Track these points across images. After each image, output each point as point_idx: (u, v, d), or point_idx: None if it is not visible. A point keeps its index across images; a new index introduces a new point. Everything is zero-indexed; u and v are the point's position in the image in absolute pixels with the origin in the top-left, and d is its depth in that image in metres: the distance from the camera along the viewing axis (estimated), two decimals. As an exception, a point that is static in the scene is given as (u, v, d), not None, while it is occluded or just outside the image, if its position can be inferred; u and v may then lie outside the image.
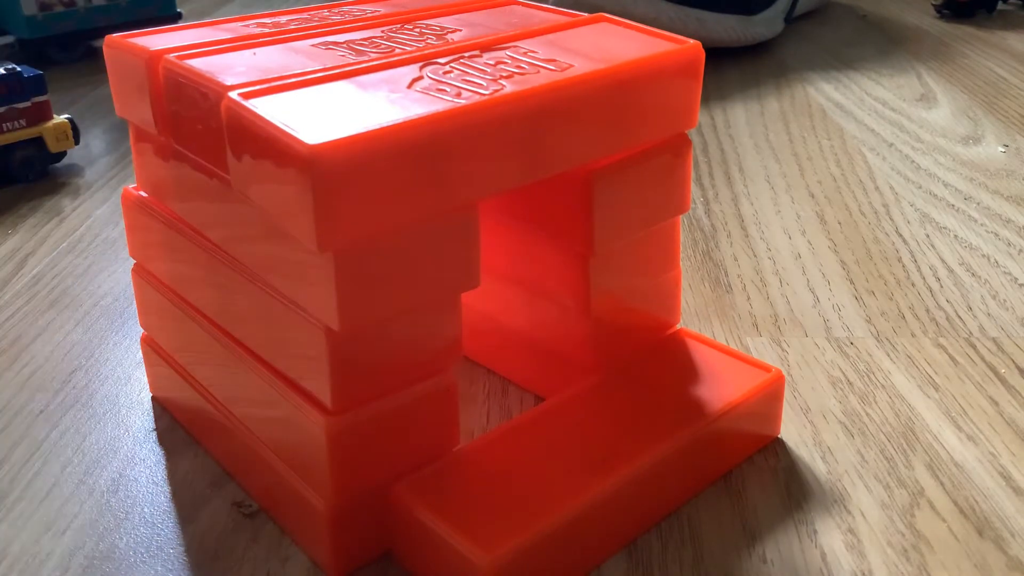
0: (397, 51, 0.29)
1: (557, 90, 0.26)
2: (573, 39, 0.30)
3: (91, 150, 0.60)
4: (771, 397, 0.31)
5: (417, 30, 0.31)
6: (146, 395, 0.35)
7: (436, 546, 0.25)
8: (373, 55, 0.28)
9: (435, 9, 0.33)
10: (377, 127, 0.22)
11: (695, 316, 0.39)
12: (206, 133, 0.26)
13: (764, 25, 0.76)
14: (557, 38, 0.30)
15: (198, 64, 0.27)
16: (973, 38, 0.81)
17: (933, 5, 0.89)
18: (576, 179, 0.28)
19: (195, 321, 0.30)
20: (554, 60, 0.28)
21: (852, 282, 0.42)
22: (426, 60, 0.27)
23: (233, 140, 0.24)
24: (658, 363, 0.32)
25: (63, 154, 0.56)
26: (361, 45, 0.29)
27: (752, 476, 0.30)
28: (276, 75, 0.26)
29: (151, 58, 0.28)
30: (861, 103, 0.65)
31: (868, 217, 0.48)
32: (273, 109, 0.23)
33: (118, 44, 0.29)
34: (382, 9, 0.34)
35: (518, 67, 0.27)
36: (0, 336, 0.39)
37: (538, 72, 0.27)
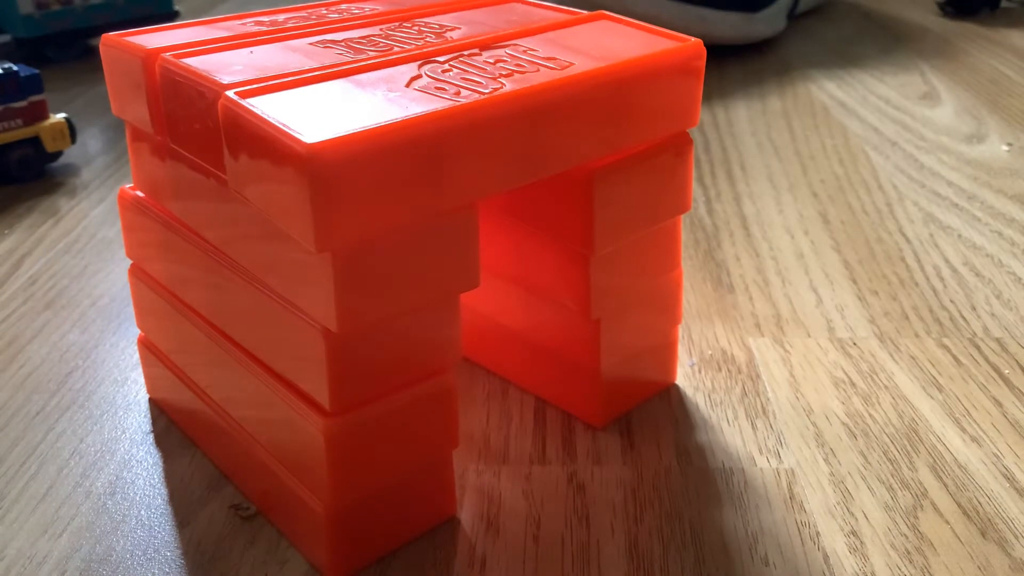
0: (396, 49, 0.28)
1: (557, 89, 0.25)
2: (573, 37, 0.30)
3: (88, 149, 0.60)
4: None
5: (416, 28, 0.31)
6: (143, 397, 0.35)
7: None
8: (371, 53, 0.28)
9: (434, 7, 0.33)
10: (375, 126, 0.22)
11: (697, 316, 0.39)
12: (203, 132, 0.26)
13: (766, 22, 0.75)
14: (557, 36, 0.30)
15: (195, 63, 0.27)
16: (977, 36, 0.80)
17: (937, 3, 0.88)
18: (577, 178, 0.28)
19: (192, 322, 0.30)
20: (554, 58, 0.27)
21: (855, 282, 0.41)
22: (425, 59, 0.27)
23: (230, 139, 0.24)
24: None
25: (59, 153, 0.56)
26: (359, 43, 0.29)
27: (754, 477, 0.30)
28: (273, 74, 0.26)
29: (147, 57, 0.28)
30: (864, 101, 0.65)
31: (871, 216, 0.47)
32: (270, 108, 0.23)
33: (114, 43, 0.29)
34: (380, 7, 0.34)
35: (518, 65, 0.27)
36: (-3, 337, 0.39)
37: (538, 71, 0.26)
